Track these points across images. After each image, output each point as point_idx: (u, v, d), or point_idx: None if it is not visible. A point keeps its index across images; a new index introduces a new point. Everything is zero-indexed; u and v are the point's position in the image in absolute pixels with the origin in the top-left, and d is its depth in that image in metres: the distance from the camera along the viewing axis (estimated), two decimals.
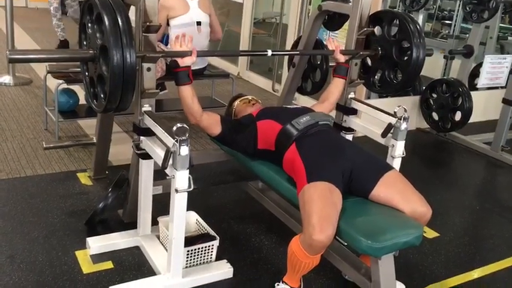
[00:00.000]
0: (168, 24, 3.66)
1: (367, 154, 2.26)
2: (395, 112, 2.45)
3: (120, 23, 1.88)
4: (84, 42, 2.16)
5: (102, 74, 1.99)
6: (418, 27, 2.63)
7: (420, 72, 2.73)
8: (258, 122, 2.41)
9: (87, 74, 2.17)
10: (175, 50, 2.27)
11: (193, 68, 3.93)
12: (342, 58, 2.65)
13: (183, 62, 2.23)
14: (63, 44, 6.17)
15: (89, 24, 2.06)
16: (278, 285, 2.16)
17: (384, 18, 2.73)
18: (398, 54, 2.69)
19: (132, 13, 2.23)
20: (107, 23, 1.87)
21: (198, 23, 3.68)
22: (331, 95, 2.69)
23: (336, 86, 2.70)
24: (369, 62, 2.95)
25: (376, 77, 2.87)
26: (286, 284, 2.14)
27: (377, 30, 2.77)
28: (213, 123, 2.41)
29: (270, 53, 2.49)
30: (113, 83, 1.90)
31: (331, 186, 2.00)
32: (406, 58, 2.66)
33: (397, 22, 2.66)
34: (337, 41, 2.71)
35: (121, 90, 1.93)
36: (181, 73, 2.24)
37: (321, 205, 1.93)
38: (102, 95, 2.05)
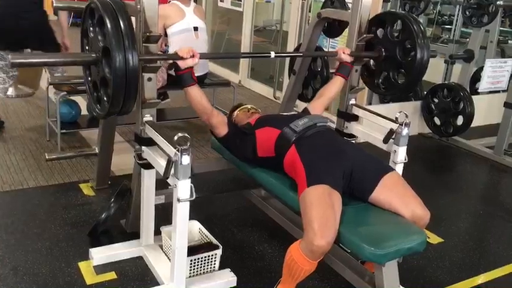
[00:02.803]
0: (165, 34, 3.67)
1: (367, 154, 2.26)
2: (396, 118, 2.44)
3: (121, 25, 1.89)
4: (87, 47, 2.17)
5: (105, 77, 1.99)
6: (421, 27, 2.62)
7: (425, 72, 2.70)
8: (256, 131, 2.42)
9: (89, 78, 2.17)
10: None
11: None
12: (347, 58, 2.65)
13: (186, 63, 2.22)
14: None
15: (91, 28, 2.07)
16: None
17: (386, 20, 2.73)
18: (402, 54, 2.68)
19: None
20: (108, 25, 1.87)
21: (195, 29, 3.71)
22: (328, 91, 2.70)
23: (334, 84, 2.70)
24: (372, 64, 2.92)
25: (380, 79, 2.86)
26: None
27: (379, 32, 2.76)
28: (221, 122, 2.44)
29: (273, 54, 2.51)
30: (116, 85, 1.90)
31: (331, 190, 2.01)
32: (410, 58, 2.65)
33: (400, 23, 2.65)
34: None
35: (124, 92, 1.94)
36: (185, 75, 2.25)
37: (321, 210, 1.94)
38: (105, 98, 2.05)
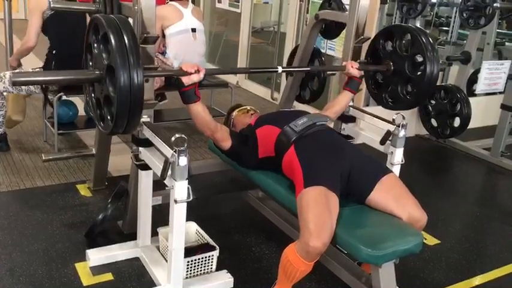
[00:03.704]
0: (163, 36, 3.67)
1: (366, 155, 2.27)
2: (393, 119, 2.45)
3: (126, 42, 1.82)
4: (90, 63, 2.09)
5: (108, 95, 1.93)
6: (430, 41, 2.52)
7: (434, 87, 2.60)
8: (257, 130, 2.41)
9: (93, 95, 2.10)
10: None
11: None
12: (356, 73, 2.57)
13: (190, 79, 2.09)
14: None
15: (95, 45, 2.01)
16: None
17: (395, 33, 2.63)
18: (412, 69, 2.56)
19: None
20: (113, 43, 1.80)
21: (193, 30, 3.71)
22: (337, 105, 2.62)
23: (343, 98, 2.63)
24: (379, 78, 2.81)
25: (387, 93, 2.73)
26: None
27: (388, 44, 2.67)
28: (225, 135, 2.37)
29: (280, 69, 2.46)
30: (120, 104, 1.83)
31: (328, 191, 2.01)
32: (419, 73, 2.53)
33: (409, 36, 2.55)
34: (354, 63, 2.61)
35: (128, 111, 1.87)
36: (188, 92, 2.13)
37: (317, 212, 1.94)
38: (109, 117, 1.98)
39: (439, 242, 2.89)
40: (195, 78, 2.10)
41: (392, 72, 2.63)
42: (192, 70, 2.09)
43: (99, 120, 2.06)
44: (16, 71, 3.55)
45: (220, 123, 2.40)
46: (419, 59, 2.52)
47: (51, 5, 2.46)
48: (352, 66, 2.57)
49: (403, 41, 2.59)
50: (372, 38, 2.74)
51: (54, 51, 3.52)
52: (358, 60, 2.70)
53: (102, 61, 1.93)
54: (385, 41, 2.66)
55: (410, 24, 2.69)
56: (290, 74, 3.23)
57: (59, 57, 3.49)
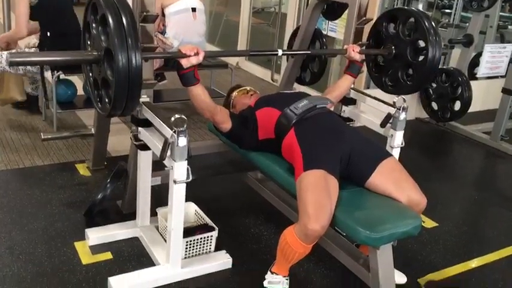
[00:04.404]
0: (163, 15, 3.63)
1: (366, 139, 2.26)
2: (394, 102, 2.43)
3: (125, 24, 1.78)
4: (88, 42, 2.05)
5: (107, 78, 1.90)
6: (433, 25, 2.49)
7: (436, 72, 2.57)
8: (256, 112, 2.40)
9: (91, 74, 2.08)
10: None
11: None
12: (357, 57, 2.53)
13: (189, 61, 2.05)
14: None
15: (93, 24, 1.96)
16: (268, 278, 2.16)
17: (398, 16, 2.59)
18: (413, 54, 2.54)
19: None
20: (112, 25, 1.76)
21: (193, 9, 3.67)
22: (338, 89, 2.60)
23: (343, 82, 2.60)
24: (381, 60, 2.78)
25: (388, 77, 2.70)
26: (276, 274, 2.15)
27: (391, 27, 2.63)
28: (225, 117, 2.35)
29: (280, 52, 2.41)
30: (119, 88, 1.81)
31: (328, 175, 2.01)
32: (421, 59, 2.51)
33: (413, 20, 2.51)
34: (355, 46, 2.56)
35: (126, 94, 1.84)
36: (188, 74, 2.10)
37: (316, 194, 1.94)
38: (106, 100, 1.96)
39: (437, 224, 2.90)
40: (194, 60, 2.06)
41: (394, 56, 2.60)
42: (191, 53, 2.05)
43: (97, 101, 2.04)
44: (13, 51, 3.52)
45: (220, 105, 2.38)
46: (422, 44, 2.49)
47: None
48: (353, 50, 2.52)
49: (406, 25, 2.55)
50: (375, 20, 2.71)
51: (48, 33, 3.51)
52: (359, 42, 2.67)
53: (100, 43, 1.90)
54: (388, 24, 2.62)
55: (413, 8, 2.61)
56: (291, 55, 3.21)
57: (53, 39, 3.49)
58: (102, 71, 1.92)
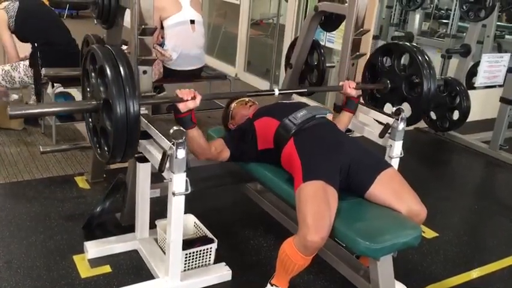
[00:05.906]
0: (161, 27, 3.64)
1: (365, 149, 2.26)
2: (392, 112, 2.44)
3: (122, 74, 1.84)
4: (88, 89, 2.11)
5: (105, 128, 1.95)
6: (427, 58, 2.54)
7: (431, 106, 2.63)
8: (255, 122, 2.40)
9: (90, 120, 2.13)
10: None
11: (190, 68, 3.94)
12: (353, 93, 2.52)
13: (186, 106, 2.06)
14: None
15: (92, 74, 2.01)
16: None
17: (393, 51, 2.65)
18: (408, 89, 2.59)
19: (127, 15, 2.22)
20: (109, 76, 1.82)
21: (192, 22, 3.68)
22: (338, 124, 2.53)
23: (342, 119, 2.57)
24: (376, 93, 2.83)
25: (383, 109, 2.73)
26: (276, 286, 2.13)
27: (386, 61, 2.70)
28: (220, 150, 2.34)
29: (277, 92, 2.44)
30: (117, 138, 1.87)
31: (327, 186, 2.00)
32: (416, 93, 2.55)
33: (407, 56, 2.57)
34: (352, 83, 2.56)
35: (125, 143, 1.89)
36: (185, 119, 2.10)
37: (316, 206, 1.93)
38: (105, 148, 2.00)
39: (437, 235, 2.89)
40: (191, 105, 2.07)
41: (390, 90, 2.67)
42: (189, 97, 2.06)
43: (96, 148, 2.09)
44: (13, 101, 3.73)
45: (212, 142, 2.37)
46: (417, 79, 2.55)
47: None
48: (349, 86, 2.51)
49: (401, 60, 2.63)
50: (370, 54, 2.77)
51: (35, 44, 3.59)
52: (356, 81, 2.66)
53: (99, 92, 1.95)
54: (383, 58, 2.70)
55: (407, 43, 2.71)
56: (289, 66, 3.21)
57: (41, 49, 3.56)
58: (101, 119, 1.97)
